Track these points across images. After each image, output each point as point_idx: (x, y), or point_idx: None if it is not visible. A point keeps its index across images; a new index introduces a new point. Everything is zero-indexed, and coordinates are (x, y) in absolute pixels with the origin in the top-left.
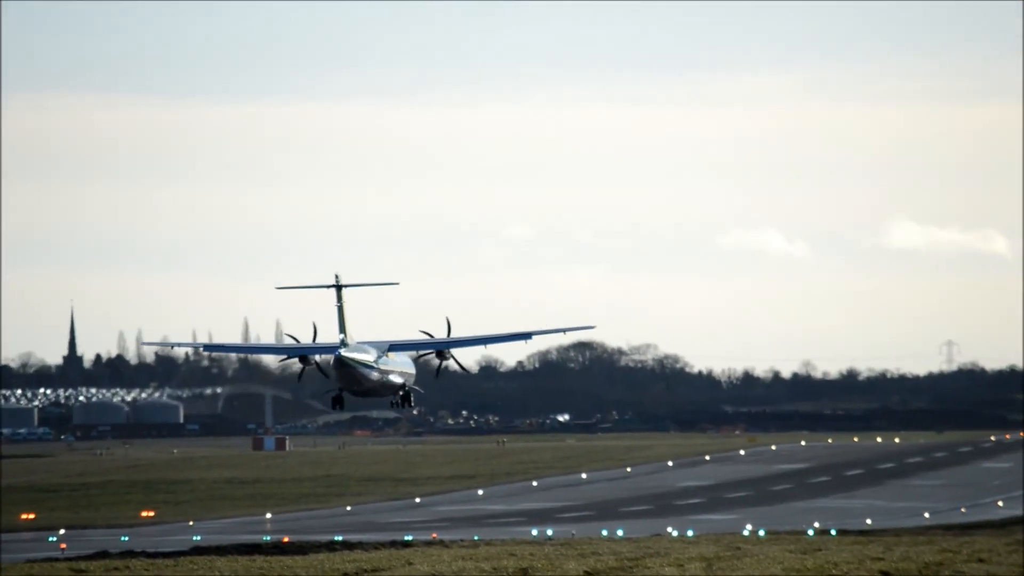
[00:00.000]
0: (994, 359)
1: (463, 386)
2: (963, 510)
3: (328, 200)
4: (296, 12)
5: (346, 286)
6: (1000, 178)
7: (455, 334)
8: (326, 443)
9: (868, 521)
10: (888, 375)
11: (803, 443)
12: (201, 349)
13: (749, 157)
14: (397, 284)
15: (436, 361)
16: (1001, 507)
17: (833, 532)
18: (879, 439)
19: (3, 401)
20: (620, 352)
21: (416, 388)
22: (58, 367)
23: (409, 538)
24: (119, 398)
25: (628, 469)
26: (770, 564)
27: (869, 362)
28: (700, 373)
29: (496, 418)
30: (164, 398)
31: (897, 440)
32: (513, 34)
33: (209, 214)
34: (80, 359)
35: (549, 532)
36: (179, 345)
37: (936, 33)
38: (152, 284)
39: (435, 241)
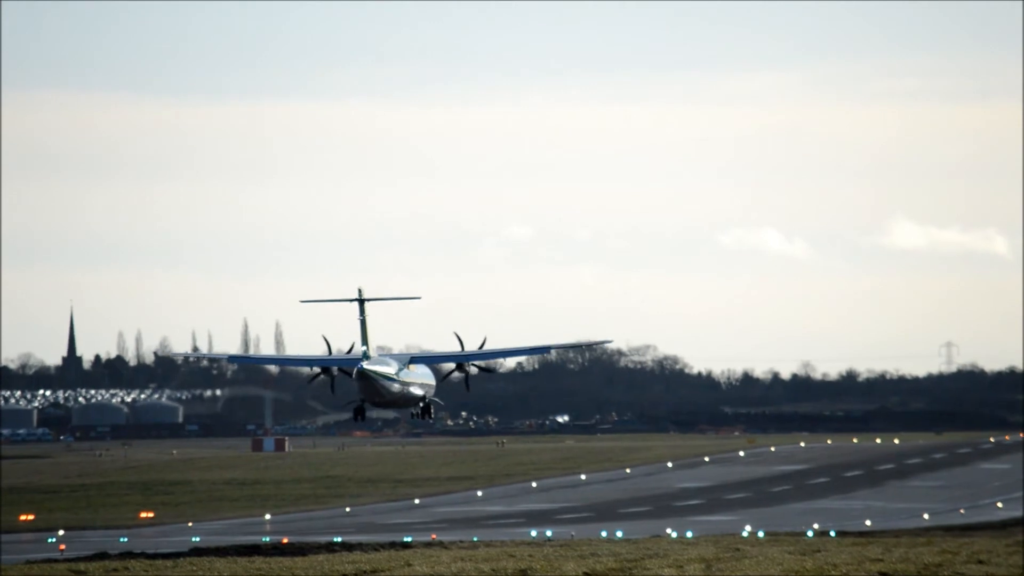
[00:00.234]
0: (994, 360)
1: (462, 387)
2: (962, 511)
3: (328, 200)
4: (296, 12)
5: (368, 300)
6: (1000, 178)
7: (470, 346)
8: (325, 444)
9: (867, 522)
10: (887, 376)
11: (802, 444)
12: (227, 360)
13: (749, 157)
14: (419, 299)
15: (458, 374)
16: (1000, 508)
17: (832, 533)
18: (878, 440)
19: (2, 402)
20: (619, 353)
21: (436, 400)
22: (57, 368)
23: (408, 539)
24: (118, 399)
25: (627, 470)
26: (769, 565)
27: (868, 363)
28: (699, 374)
29: (495, 419)
30: (163, 399)
31: (896, 441)
32: (513, 34)
33: (208, 214)
34: (79, 360)
35: (548, 533)
36: (206, 356)
37: (936, 33)
38: (152, 285)
39: (435, 241)
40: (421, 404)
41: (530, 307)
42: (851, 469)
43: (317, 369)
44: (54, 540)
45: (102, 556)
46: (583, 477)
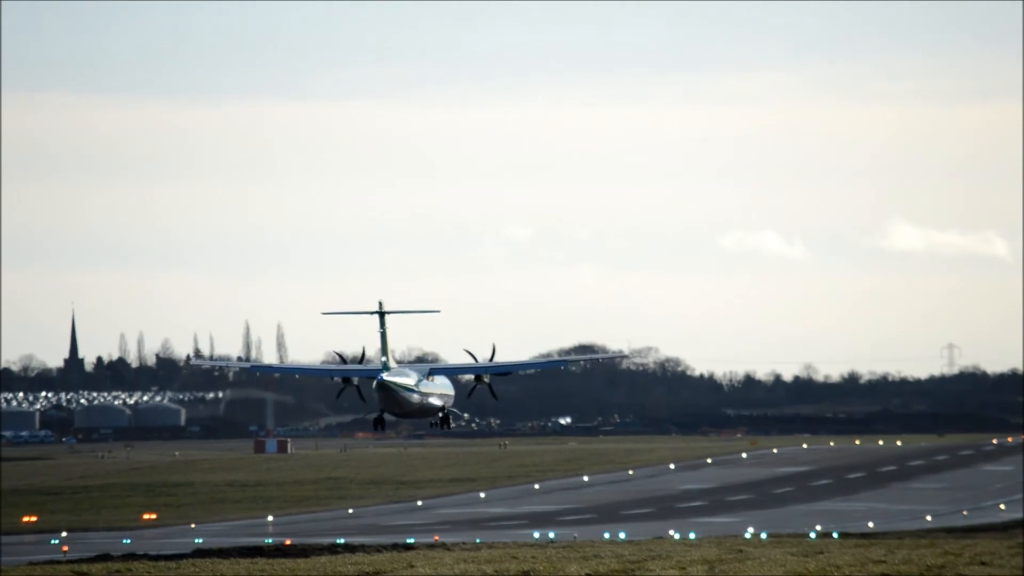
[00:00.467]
0: (995, 362)
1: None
2: (965, 513)
3: (329, 200)
4: (296, 12)
5: (389, 312)
6: (1000, 180)
7: (481, 356)
8: (328, 446)
9: (870, 524)
10: (889, 378)
11: (804, 446)
12: (249, 369)
13: (749, 157)
14: (438, 312)
15: (475, 384)
16: (1003, 510)
17: (835, 535)
18: (880, 442)
19: (4, 404)
20: (621, 355)
21: (455, 410)
22: (59, 370)
23: (411, 541)
24: (120, 401)
25: (630, 472)
26: (772, 567)
27: (870, 365)
28: (701, 376)
29: (497, 421)
30: (166, 401)
31: (899, 443)
32: (513, 34)
33: (208, 215)
34: (81, 362)
35: (551, 535)
36: (227, 364)
37: (936, 33)
38: (153, 286)
39: (435, 241)
40: (440, 414)
41: (530, 308)
42: (853, 471)
43: (339, 380)
44: (57, 542)
45: (105, 558)
46: (585, 479)
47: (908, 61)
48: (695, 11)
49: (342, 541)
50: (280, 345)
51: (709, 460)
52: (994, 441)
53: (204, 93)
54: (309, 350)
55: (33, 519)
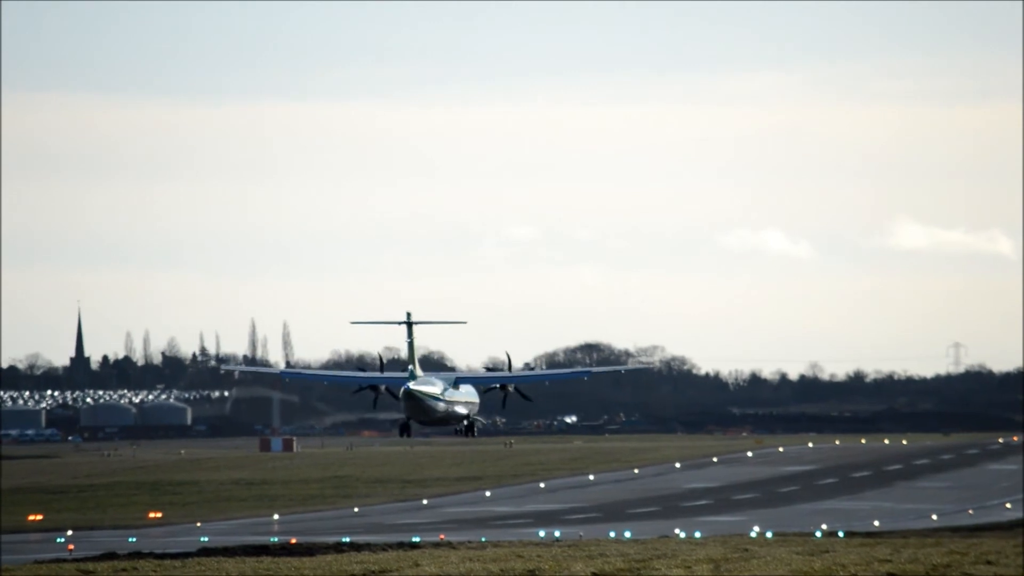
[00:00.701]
0: (1001, 361)
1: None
2: (970, 512)
3: (331, 199)
4: (296, 12)
5: (417, 323)
6: (1005, 179)
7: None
8: (333, 444)
9: (875, 523)
10: (895, 377)
11: (810, 445)
12: (278, 375)
13: (752, 158)
14: (465, 323)
15: (501, 393)
16: (1008, 509)
17: (841, 534)
18: (886, 441)
19: (11, 402)
20: (627, 354)
21: (479, 418)
22: (65, 369)
23: (417, 539)
24: (126, 400)
25: (635, 471)
26: (778, 566)
27: (876, 364)
28: (707, 375)
29: (503, 420)
30: (171, 400)
31: (904, 442)
32: (514, 34)
33: (209, 214)
34: (87, 360)
35: (556, 533)
36: (259, 371)
37: (936, 33)
38: (158, 285)
39: (437, 241)
40: (465, 422)
41: (533, 308)
42: (859, 470)
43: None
44: (63, 540)
45: (111, 556)
46: (591, 478)
47: (908, 61)
48: (695, 11)
49: (348, 540)
50: (286, 344)
51: (715, 459)
52: (1000, 440)
53: (204, 93)
54: (314, 349)
55: (39, 518)
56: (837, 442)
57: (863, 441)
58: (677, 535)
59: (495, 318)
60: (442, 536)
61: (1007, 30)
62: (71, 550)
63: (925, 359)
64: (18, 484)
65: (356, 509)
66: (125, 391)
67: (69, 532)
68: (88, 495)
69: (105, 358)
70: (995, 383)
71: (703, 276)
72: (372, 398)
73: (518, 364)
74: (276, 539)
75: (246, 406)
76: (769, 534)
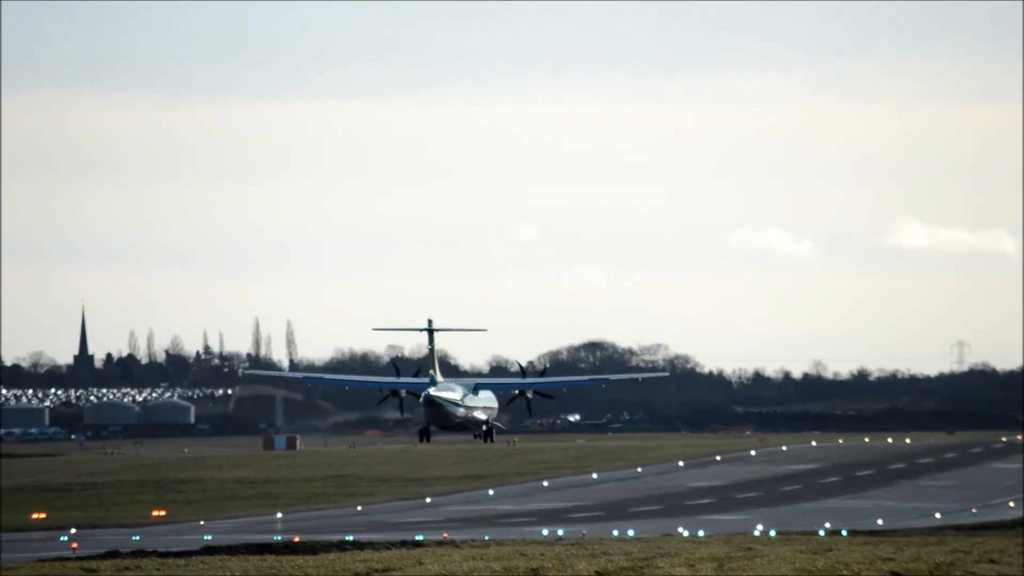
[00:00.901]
0: (1005, 359)
1: None
2: (974, 511)
3: (334, 199)
4: (296, 12)
5: (437, 330)
6: (1008, 178)
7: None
8: (337, 443)
9: (879, 521)
10: (899, 375)
11: (813, 443)
12: (302, 380)
13: (754, 157)
14: (485, 330)
15: (523, 400)
16: (1012, 508)
17: (844, 532)
18: (890, 440)
19: (14, 401)
20: (630, 352)
21: (498, 424)
22: (69, 367)
23: (420, 538)
24: (130, 398)
25: (639, 469)
26: (781, 564)
27: (879, 362)
28: (711, 373)
29: (506, 418)
30: (175, 398)
31: (908, 441)
32: (514, 34)
33: (211, 214)
34: (91, 359)
35: (560, 532)
36: (283, 375)
37: (936, 33)
38: (162, 284)
39: (441, 241)
40: (484, 427)
41: (537, 308)
42: (862, 468)
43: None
44: (66, 538)
45: (114, 554)
46: (594, 476)
47: (908, 61)
48: (695, 11)
49: (351, 538)
50: (290, 342)
51: (718, 457)
52: (1003, 439)
53: (204, 93)
54: (318, 347)
55: (42, 516)
56: (840, 441)
57: (866, 440)
58: (680, 534)
59: (498, 317)
60: (445, 535)
61: (1007, 30)
62: (74, 548)
63: (928, 358)
64: (21, 482)
65: (359, 507)
66: (128, 389)
67: (72, 530)
68: (91, 493)
69: (109, 356)
70: (999, 382)
71: (706, 275)
72: (397, 404)
73: (521, 363)
74: (279, 537)
75: (249, 405)
76: (772, 533)
